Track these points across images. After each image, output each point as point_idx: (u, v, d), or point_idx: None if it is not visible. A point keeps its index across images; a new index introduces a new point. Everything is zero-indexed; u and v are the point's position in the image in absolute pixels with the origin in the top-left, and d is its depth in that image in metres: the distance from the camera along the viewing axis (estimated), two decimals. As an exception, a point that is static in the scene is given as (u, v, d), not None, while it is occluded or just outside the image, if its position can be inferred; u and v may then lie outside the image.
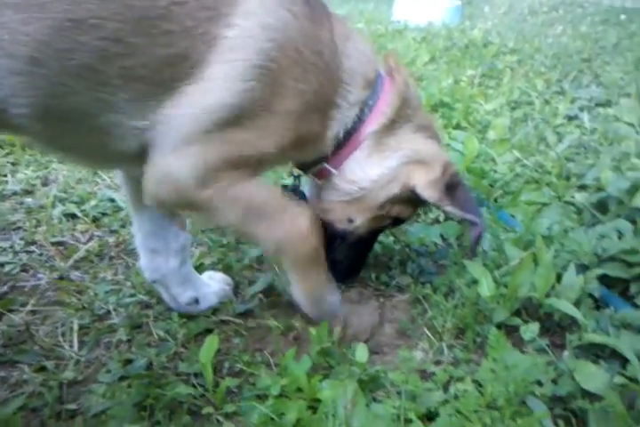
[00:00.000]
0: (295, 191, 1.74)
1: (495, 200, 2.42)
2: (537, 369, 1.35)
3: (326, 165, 1.59)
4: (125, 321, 1.71)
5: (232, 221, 1.40)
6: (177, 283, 1.71)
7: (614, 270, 1.83)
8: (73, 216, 2.43)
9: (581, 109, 3.90)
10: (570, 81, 4.69)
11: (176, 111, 1.23)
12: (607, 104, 4.14)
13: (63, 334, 1.68)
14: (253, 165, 1.38)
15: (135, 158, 1.32)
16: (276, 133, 1.34)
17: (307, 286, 1.56)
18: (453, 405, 1.32)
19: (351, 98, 1.50)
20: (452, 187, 1.60)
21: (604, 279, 1.82)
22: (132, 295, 1.84)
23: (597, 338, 1.48)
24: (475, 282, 1.75)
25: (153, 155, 1.29)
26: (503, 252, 1.89)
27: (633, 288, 1.81)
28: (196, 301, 1.75)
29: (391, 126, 1.57)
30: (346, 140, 1.54)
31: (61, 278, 1.98)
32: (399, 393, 1.38)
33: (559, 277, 1.71)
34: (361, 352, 1.44)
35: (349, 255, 1.78)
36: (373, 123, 1.54)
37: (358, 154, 1.57)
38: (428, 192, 1.58)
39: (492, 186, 2.59)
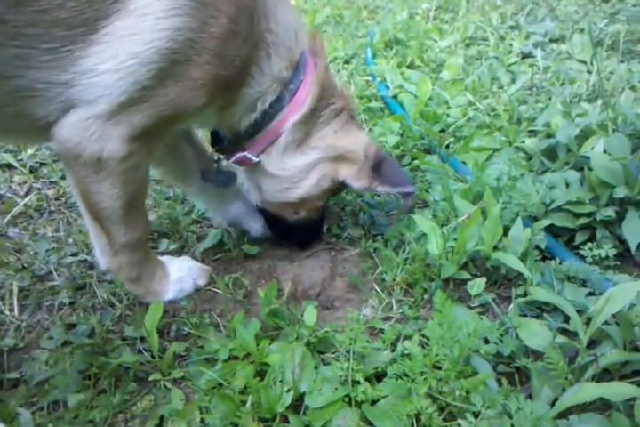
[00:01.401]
0: (218, 175, 1.71)
1: (447, 147, 2.39)
2: (482, 327, 1.36)
3: (246, 154, 1.55)
4: (68, 283, 1.65)
5: (116, 206, 1.35)
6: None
7: (561, 220, 1.85)
8: (9, 167, 2.31)
9: (535, 46, 3.83)
10: (525, 15, 4.59)
11: (103, 61, 1.12)
12: (561, 40, 4.09)
13: (2, 298, 1.62)
14: (164, 130, 1.33)
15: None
16: (193, 87, 1.25)
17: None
18: (400, 365, 1.33)
19: (273, 68, 1.40)
20: (377, 167, 1.63)
21: (551, 229, 1.85)
22: (73, 254, 1.78)
23: (541, 295, 1.50)
24: (424, 235, 1.75)
25: (81, 107, 1.18)
26: (452, 202, 1.88)
27: (578, 238, 1.84)
28: None
29: (310, 117, 1.51)
30: (263, 126, 1.49)
31: (-1, 236, 1.90)
32: (348, 353, 1.39)
33: (506, 230, 1.72)
34: (310, 314, 1.44)
35: (308, 232, 1.84)
36: (295, 113, 1.48)
37: (279, 146, 1.53)
38: (358, 183, 1.64)
39: (444, 131, 2.56)
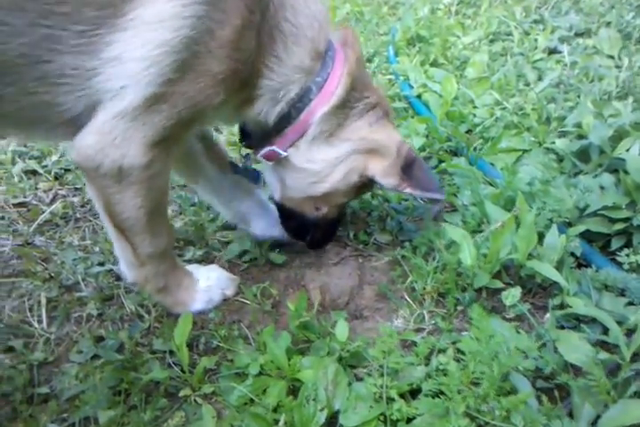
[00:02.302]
0: (246, 171, 1.68)
1: (474, 149, 2.33)
2: (521, 343, 1.33)
3: (275, 148, 1.50)
4: (95, 294, 1.64)
5: (139, 215, 1.33)
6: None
7: (596, 226, 1.80)
8: (34, 173, 2.30)
9: (561, 41, 3.74)
10: (549, 8, 4.49)
11: (130, 48, 1.10)
12: (587, 34, 3.99)
13: (30, 309, 1.61)
14: (183, 134, 1.31)
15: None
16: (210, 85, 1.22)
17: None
18: (436, 380, 1.30)
19: (293, 59, 1.35)
20: (408, 167, 1.55)
21: (585, 234, 1.80)
22: (100, 264, 1.76)
23: (580, 309, 1.46)
24: (454, 242, 1.71)
25: (105, 110, 1.17)
26: (483, 208, 1.84)
27: (614, 244, 1.79)
28: None
29: (341, 109, 1.46)
30: (291, 119, 1.44)
31: (26, 244, 1.89)
32: (381, 367, 1.35)
33: (540, 237, 1.67)
34: (341, 328, 1.40)
35: (323, 231, 1.77)
36: (324, 104, 1.43)
37: (308, 138, 1.48)
38: (386, 180, 1.56)
39: (470, 131, 2.50)
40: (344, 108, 1.46)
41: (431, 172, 1.64)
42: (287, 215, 1.74)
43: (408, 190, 1.57)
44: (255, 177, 1.68)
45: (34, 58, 1.08)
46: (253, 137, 1.57)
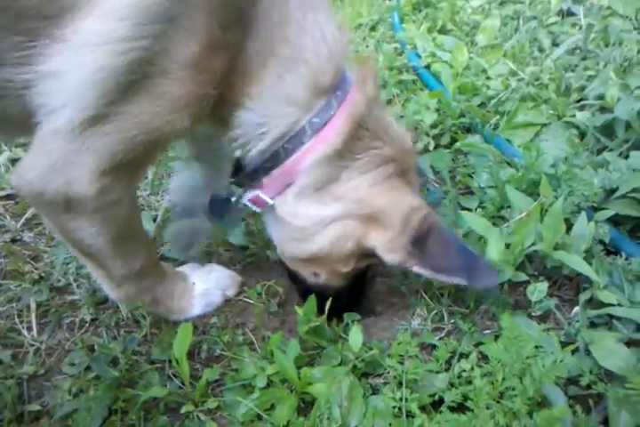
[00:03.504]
0: (224, 203, 1.41)
1: (490, 126, 2.18)
2: (552, 346, 1.21)
3: (259, 193, 1.28)
4: (88, 297, 1.52)
5: (102, 242, 1.17)
6: None
7: (625, 209, 1.67)
8: (20, 161, 2.16)
9: (575, 2, 3.54)
10: (561, -34, 4.25)
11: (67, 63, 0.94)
12: (601, -7, 3.78)
13: (19, 315, 1.49)
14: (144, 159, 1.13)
15: None
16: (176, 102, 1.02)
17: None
18: (459, 390, 1.19)
19: (285, 90, 1.12)
20: (420, 240, 1.24)
21: (612, 218, 1.66)
22: (93, 263, 1.63)
23: (616, 310, 1.34)
24: (473, 231, 1.58)
25: (42, 127, 1.01)
26: (504, 193, 1.70)
27: (644, 228, 1.66)
28: None
29: (338, 160, 1.21)
30: (280, 161, 1.22)
31: (14, 241, 1.77)
32: (399, 375, 1.24)
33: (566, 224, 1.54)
34: (355, 336, 1.29)
35: (341, 299, 1.45)
36: (316, 151, 1.18)
37: (295, 188, 1.24)
38: (389, 255, 1.27)
39: (484, 105, 2.34)
40: (342, 159, 1.21)
41: (454, 246, 1.26)
42: (290, 276, 1.54)
43: (416, 269, 1.26)
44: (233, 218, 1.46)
45: None
46: (243, 174, 1.33)
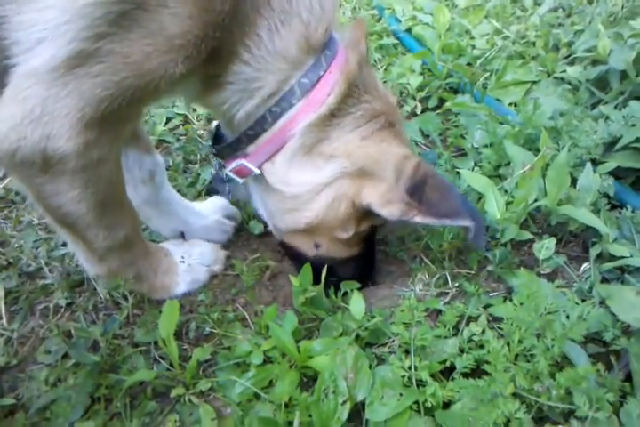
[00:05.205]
0: (217, 181, 1.39)
1: (479, 85, 2.08)
2: (569, 303, 1.12)
3: (244, 162, 1.20)
4: (62, 280, 1.40)
5: (84, 209, 1.06)
6: (156, 214, 1.45)
7: (626, 161, 1.59)
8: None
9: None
10: None
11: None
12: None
13: (-12, 304, 1.38)
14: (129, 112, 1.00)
15: None
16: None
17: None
18: (471, 355, 1.10)
19: (276, 43, 1.03)
20: (416, 190, 1.15)
21: (613, 170, 1.58)
22: (65, 244, 1.51)
23: (633, 260, 1.25)
24: (473, 190, 1.49)
25: (17, 69, 0.88)
26: (502, 150, 1.61)
27: (646, 180, 1.58)
28: (182, 234, 1.49)
29: (331, 118, 1.13)
30: (266, 126, 1.13)
31: (-21, 226, 1.65)
32: (405, 343, 1.14)
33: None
34: (356, 304, 1.19)
35: (349, 271, 1.38)
36: (309, 113, 1.10)
37: (286, 154, 1.16)
38: (387, 209, 1.17)
39: (470, 65, 2.24)
40: (335, 117, 1.14)
41: (454, 191, 1.18)
42: (288, 253, 1.44)
43: (418, 220, 1.16)
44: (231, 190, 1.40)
45: None
46: (225, 142, 1.26)
